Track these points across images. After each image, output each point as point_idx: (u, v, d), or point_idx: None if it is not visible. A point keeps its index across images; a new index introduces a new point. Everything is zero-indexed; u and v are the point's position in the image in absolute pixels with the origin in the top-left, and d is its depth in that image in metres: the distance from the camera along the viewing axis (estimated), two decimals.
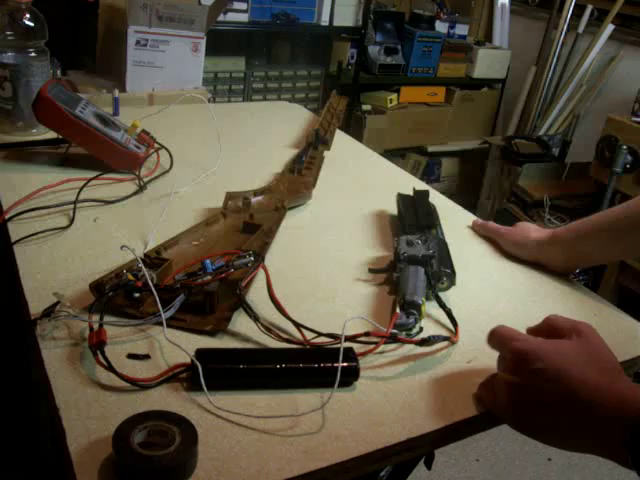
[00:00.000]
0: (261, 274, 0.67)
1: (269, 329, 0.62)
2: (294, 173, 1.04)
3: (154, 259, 0.71)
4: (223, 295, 0.66)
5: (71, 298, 0.64)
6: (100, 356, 0.55)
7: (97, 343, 0.56)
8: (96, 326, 0.58)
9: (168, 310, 0.62)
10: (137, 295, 0.64)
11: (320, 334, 0.62)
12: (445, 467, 1.74)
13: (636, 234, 0.76)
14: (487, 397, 0.58)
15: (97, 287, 0.64)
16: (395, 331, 0.64)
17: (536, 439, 0.53)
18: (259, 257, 0.69)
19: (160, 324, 0.60)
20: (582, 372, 0.51)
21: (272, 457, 0.49)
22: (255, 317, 0.63)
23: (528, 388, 0.52)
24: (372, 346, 0.62)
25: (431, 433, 0.55)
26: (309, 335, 0.62)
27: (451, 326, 0.69)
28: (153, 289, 0.61)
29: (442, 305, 0.70)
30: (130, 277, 0.64)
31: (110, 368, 0.54)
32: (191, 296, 0.64)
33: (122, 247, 0.66)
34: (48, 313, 0.60)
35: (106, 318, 0.60)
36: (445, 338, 0.65)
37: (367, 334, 0.62)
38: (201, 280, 0.65)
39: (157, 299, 0.61)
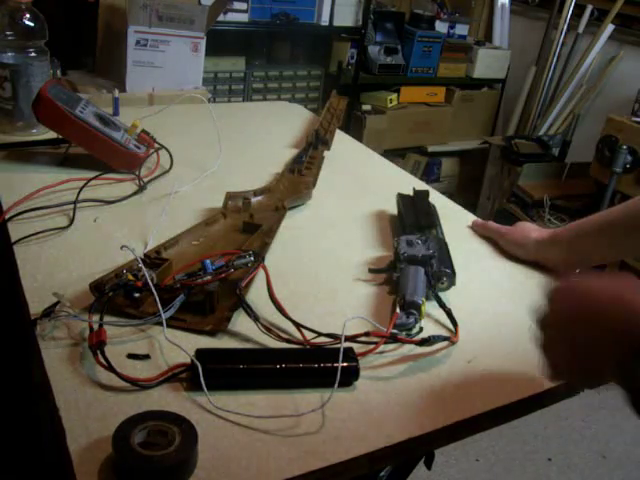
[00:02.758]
0: (261, 274, 0.67)
1: (269, 329, 0.62)
2: (294, 173, 1.04)
3: (154, 259, 0.71)
4: (223, 295, 0.66)
5: (71, 298, 0.64)
6: (100, 356, 0.55)
7: (97, 343, 0.56)
8: (96, 326, 0.58)
9: (168, 310, 0.62)
10: (137, 295, 0.64)
11: (320, 334, 0.62)
12: (445, 467, 1.74)
13: (636, 234, 0.76)
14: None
15: (97, 287, 0.63)
16: (395, 331, 0.65)
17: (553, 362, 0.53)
18: (259, 257, 0.69)
19: (160, 324, 0.60)
20: (600, 282, 0.52)
21: (272, 457, 0.49)
22: (255, 317, 0.63)
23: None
24: (372, 346, 0.62)
25: (431, 433, 0.55)
26: (309, 335, 0.63)
27: (451, 326, 0.69)
28: (153, 289, 0.61)
29: (442, 305, 0.70)
30: (130, 277, 0.64)
31: (110, 368, 0.54)
32: (191, 296, 0.64)
33: (122, 247, 0.66)
34: (48, 313, 0.60)
35: (106, 318, 0.60)
36: (445, 338, 0.65)
37: (367, 334, 0.62)
38: (201, 280, 0.65)
39: (157, 299, 0.61)
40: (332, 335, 0.62)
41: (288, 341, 0.62)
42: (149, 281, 0.62)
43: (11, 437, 1.20)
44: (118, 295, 0.63)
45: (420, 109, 2.94)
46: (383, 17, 2.80)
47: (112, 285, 0.63)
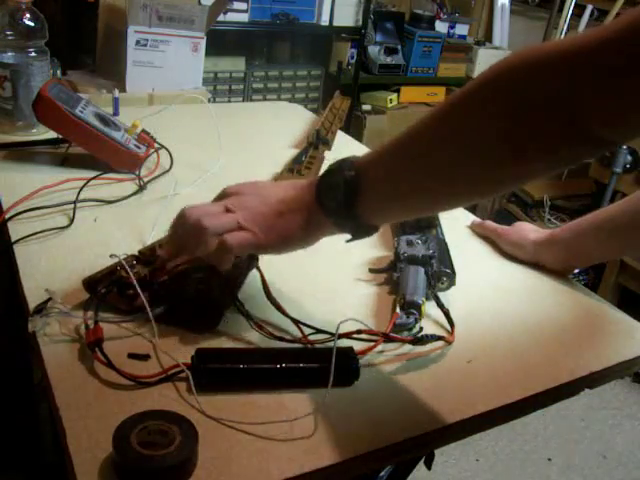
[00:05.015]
0: (258, 274, 0.67)
1: (261, 327, 0.63)
2: (293, 173, 1.03)
3: (148, 256, 0.70)
4: (216, 293, 0.66)
5: (70, 297, 0.64)
6: (99, 353, 0.55)
7: (95, 341, 0.56)
8: (91, 323, 0.58)
9: (159, 307, 0.61)
10: (130, 292, 0.63)
11: (317, 330, 0.63)
12: (445, 467, 1.74)
13: (634, 232, 0.76)
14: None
15: (89, 284, 0.63)
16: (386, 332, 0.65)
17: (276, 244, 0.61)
18: (253, 256, 0.69)
19: (157, 322, 0.60)
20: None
21: (272, 457, 0.49)
22: (247, 315, 0.63)
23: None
24: (372, 344, 0.62)
25: (431, 433, 0.55)
26: (304, 333, 0.63)
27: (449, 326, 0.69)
28: (138, 287, 0.61)
29: (440, 305, 0.70)
30: (123, 273, 0.63)
31: (109, 365, 0.55)
32: (183, 293, 0.64)
33: (111, 255, 0.66)
34: (40, 310, 0.60)
35: (101, 315, 0.60)
36: (439, 337, 0.65)
37: (359, 332, 0.62)
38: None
39: (142, 296, 0.60)
40: (328, 332, 0.62)
41: (281, 339, 0.62)
42: (132, 276, 0.62)
43: (11, 437, 1.20)
44: (112, 292, 0.63)
45: (420, 109, 2.94)
46: (383, 17, 2.80)
47: (105, 281, 0.63)
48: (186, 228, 0.61)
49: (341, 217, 0.57)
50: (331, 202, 0.57)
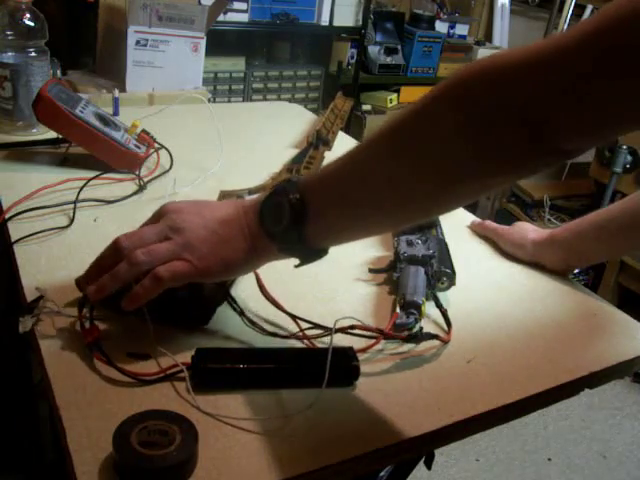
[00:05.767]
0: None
1: (254, 322, 0.63)
2: (292, 172, 1.03)
3: None
4: (209, 290, 0.66)
5: (70, 297, 0.64)
6: (98, 352, 0.55)
7: (93, 341, 0.56)
8: (86, 321, 0.58)
9: (152, 304, 0.62)
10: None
11: (314, 324, 0.63)
12: (445, 467, 1.74)
13: (634, 232, 0.76)
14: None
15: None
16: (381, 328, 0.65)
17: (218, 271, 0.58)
18: None
19: (155, 322, 0.60)
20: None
21: (272, 457, 0.49)
22: (240, 311, 0.64)
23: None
24: (372, 342, 0.62)
25: (431, 433, 0.55)
26: (301, 327, 0.63)
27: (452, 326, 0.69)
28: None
29: (439, 305, 0.70)
30: None
31: (109, 362, 0.55)
32: (175, 289, 0.64)
33: None
34: (31, 309, 0.60)
35: (97, 314, 0.60)
36: (434, 336, 0.65)
37: (352, 327, 0.62)
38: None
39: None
40: (324, 327, 0.63)
41: (274, 334, 0.62)
42: None
43: (11, 437, 1.20)
44: None
45: None
46: (383, 17, 2.80)
47: None
48: (118, 260, 0.57)
49: (287, 242, 0.55)
50: (275, 227, 0.55)
